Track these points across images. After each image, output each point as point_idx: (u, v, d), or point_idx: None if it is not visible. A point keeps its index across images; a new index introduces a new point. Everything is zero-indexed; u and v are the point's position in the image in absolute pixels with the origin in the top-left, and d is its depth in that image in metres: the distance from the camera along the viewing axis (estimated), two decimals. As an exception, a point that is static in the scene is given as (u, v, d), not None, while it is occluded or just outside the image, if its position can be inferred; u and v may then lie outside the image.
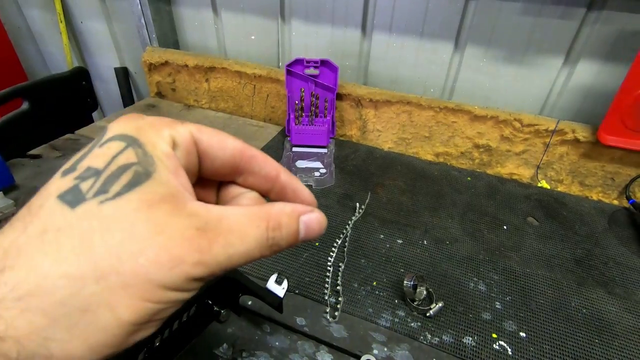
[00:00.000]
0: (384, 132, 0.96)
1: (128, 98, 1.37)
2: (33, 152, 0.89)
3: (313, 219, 0.19)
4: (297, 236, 0.19)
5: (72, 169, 0.16)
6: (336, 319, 0.53)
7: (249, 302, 0.54)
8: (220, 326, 0.52)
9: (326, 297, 0.56)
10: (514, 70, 0.85)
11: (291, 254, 0.62)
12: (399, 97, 0.89)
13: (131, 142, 0.17)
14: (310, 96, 0.91)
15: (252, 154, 0.20)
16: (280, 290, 0.46)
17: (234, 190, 0.22)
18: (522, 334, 0.52)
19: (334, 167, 0.86)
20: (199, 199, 0.18)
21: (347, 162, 0.91)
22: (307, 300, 0.56)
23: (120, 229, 0.15)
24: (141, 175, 0.16)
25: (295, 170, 0.86)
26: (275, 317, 0.53)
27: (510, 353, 0.50)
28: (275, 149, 0.94)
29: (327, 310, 0.55)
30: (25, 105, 0.98)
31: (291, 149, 0.94)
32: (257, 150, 0.21)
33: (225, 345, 0.50)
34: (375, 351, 0.50)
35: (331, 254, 0.63)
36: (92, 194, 0.15)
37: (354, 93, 0.92)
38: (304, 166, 0.88)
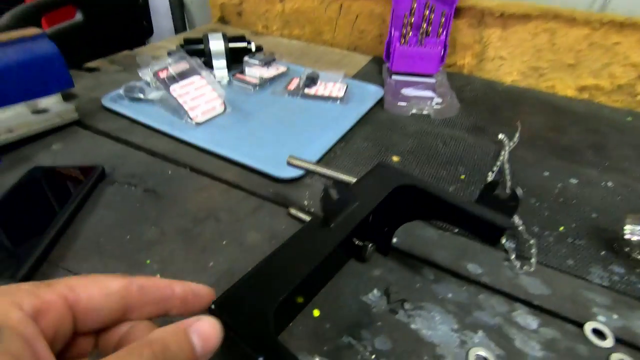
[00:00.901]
0: (509, 60, 0.76)
1: (181, 28, 1.22)
2: (90, 64, 0.75)
3: (204, 326, 0.17)
4: (192, 350, 0.16)
5: None
6: (531, 268, 0.37)
7: (394, 239, 0.39)
8: (362, 266, 0.37)
9: (503, 240, 0.40)
10: None
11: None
12: (541, 10, 0.69)
13: None
14: (424, 8, 0.73)
15: (138, 285, 0.18)
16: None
17: (118, 328, 0.18)
18: None
19: (455, 95, 0.68)
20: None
21: (464, 94, 0.73)
22: (473, 242, 0.40)
23: None
24: None
25: (402, 98, 0.69)
26: (435, 260, 0.38)
27: None
28: (369, 77, 0.77)
29: (509, 258, 0.39)
30: (79, 16, 0.84)
31: (390, 76, 0.76)
32: (141, 278, 0.19)
33: (375, 291, 0.35)
34: (600, 317, 0.34)
35: (487, 188, 0.47)
36: None
37: (478, 5, 0.73)
38: (412, 94, 0.71)
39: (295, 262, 0.22)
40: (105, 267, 0.35)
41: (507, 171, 0.49)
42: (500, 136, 0.57)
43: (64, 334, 0.17)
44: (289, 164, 0.38)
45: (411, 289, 0.35)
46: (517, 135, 0.56)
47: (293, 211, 0.41)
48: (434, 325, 0.32)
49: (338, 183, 0.26)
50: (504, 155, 0.51)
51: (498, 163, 0.51)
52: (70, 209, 0.39)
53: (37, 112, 0.52)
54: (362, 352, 0.30)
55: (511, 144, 0.54)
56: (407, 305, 0.34)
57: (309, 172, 0.48)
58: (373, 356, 0.30)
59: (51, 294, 0.16)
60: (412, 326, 0.32)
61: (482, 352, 0.30)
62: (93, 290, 0.17)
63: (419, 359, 0.30)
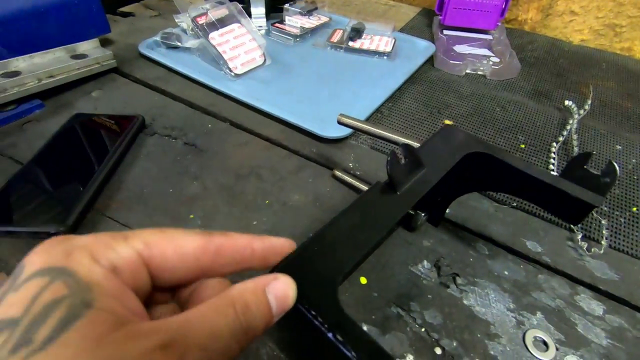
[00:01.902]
0: (581, 16, 0.67)
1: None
2: (124, 9, 0.73)
3: (281, 287, 0.17)
4: (270, 312, 0.16)
5: None
6: (601, 251, 0.34)
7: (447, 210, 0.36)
8: (411, 236, 0.35)
9: (568, 218, 0.37)
10: None
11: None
12: (631, -45, 0.59)
13: (57, 274, 0.13)
14: (489, -50, 0.64)
15: (216, 245, 0.17)
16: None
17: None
18: None
19: (515, 55, 0.61)
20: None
21: (524, 54, 0.66)
22: (532, 217, 0.37)
23: None
24: (77, 307, 0.12)
25: (455, 56, 0.62)
26: (490, 235, 0.35)
27: None
28: (417, 32, 0.70)
29: (573, 238, 0.35)
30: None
31: (442, 31, 0.69)
32: (219, 236, 0.17)
33: (425, 262, 0.33)
34: (676, 309, 0.31)
35: (551, 160, 0.42)
36: (8, 351, 0.11)
37: (554, -52, 0.63)
38: (467, 51, 0.64)
39: (362, 229, 0.20)
40: (150, 219, 0.34)
41: (575, 143, 0.44)
42: (567, 103, 0.51)
43: (142, 290, 0.16)
44: (340, 122, 0.35)
45: (464, 263, 0.33)
46: (588, 102, 0.50)
47: (338, 173, 0.39)
48: (488, 303, 0.30)
49: (405, 146, 0.23)
50: (573, 124, 0.46)
51: (565, 133, 0.45)
52: (113, 158, 0.39)
53: (76, 57, 0.50)
54: (412, 324, 0.29)
55: (581, 112, 0.48)
56: (459, 280, 0.32)
57: (355, 133, 0.45)
58: (423, 329, 0.28)
59: (127, 248, 0.15)
60: (465, 302, 0.30)
61: (541, 335, 0.28)
62: (168, 249, 0.16)
63: (472, 336, 0.28)
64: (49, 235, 0.32)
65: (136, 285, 0.16)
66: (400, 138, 0.30)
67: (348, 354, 0.15)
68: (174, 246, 0.16)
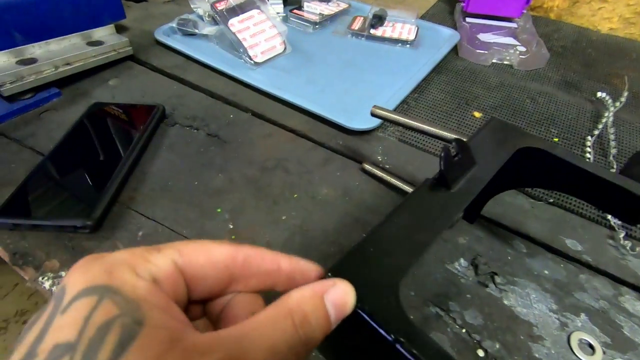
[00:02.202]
0: (610, 3, 0.64)
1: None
2: (137, -6, 0.70)
3: (340, 294, 0.16)
4: (329, 321, 0.15)
5: (30, 356, 0.12)
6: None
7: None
8: (446, 232, 0.34)
9: (609, 216, 0.35)
10: None
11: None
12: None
13: (103, 292, 0.13)
14: None
15: (244, 255, 0.17)
16: None
17: (223, 297, 0.17)
18: None
19: (543, 44, 0.59)
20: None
21: (551, 43, 0.63)
22: (571, 214, 0.36)
23: None
24: (131, 327, 0.12)
25: (479, 44, 0.60)
26: (528, 232, 0.34)
27: None
28: (437, 19, 0.68)
29: (615, 236, 0.34)
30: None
31: (464, 19, 0.67)
32: (248, 248, 0.17)
33: (462, 260, 0.32)
34: None
35: (587, 155, 0.41)
36: None
37: None
38: (491, 40, 0.62)
39: (417, 229, 0.19)
40: (177, 212, 0.33)
41: (612, 137, 0.42)
42: (600, 94, 0.49)
43: (181, 301, 0.16)
44: (373, 114, 0.34)
45: (502, 261, 0.32)
46: (624, 94, 0.48)
47: (368, 166, 0.38)
48: (529, 303, 0.29)
49: (458, 142, 0.22)
50: (608, 117, 0.44)
51: (600, 126, 0.44)
52: (136, 149, 0.37)
53: (92, 43, 0.49)
54: (452, 324, 0.28)
55: (617, 104, 0.46)
56: (498, 279, 0.31)
57: (382, 124, 0.43)
58: (464, 330, 0.28)
59: (164, 259, 0.15)
60: (505, 302, 0.29)
61: (587, 337, 0.27)
62: (200, 257, 0.16)
63: (515, 337, 0.27)
64: (75, 229, 0.31)
65: (176, 296, 0.15)
66: (443, 132, 0.29)
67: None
68: (206, 254, 0.16)
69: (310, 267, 0.18)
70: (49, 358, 0.12)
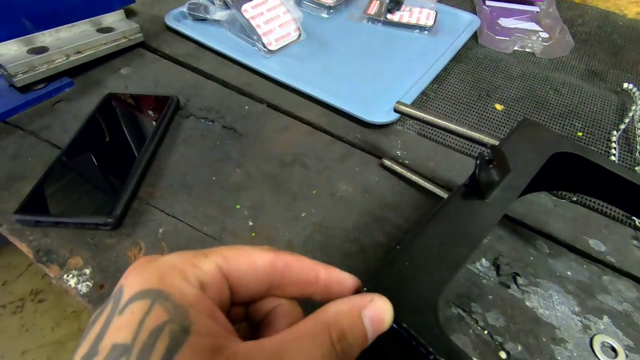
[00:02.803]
0: (640, -14, 0.61)
1: None
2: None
3: (378, 310, 0.16)
4: (366, 338, 0.15)
5: (92, 353, 0.13)
6: (671, 253, 0.32)
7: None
8: (467, 232, 0.33)
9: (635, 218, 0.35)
10: None
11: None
12: None
13: (156, 296, 0.14)
14: None
15: (284, 262, 0.17)
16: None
17: (264, 304, 0.18)
18: None
19: (567, 30, 0.57)
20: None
21: (575, 29, 0.61)
22: (595, 213, 0.35)
23: None
24: (178, 334, 0.13)
25: (500, 30, 0.58)
26: (551, 232, 0.33)
27: None
28: (457, 2, 0.65)
29: (639, 236, 0.34)
30: None
31: (484, 2, 0.64)
32: (288, 255, 0.18)
33: (484, 260, 0.32)
34: None
35: (612, 151, 0.40)
36: None
37: None
38: (513, 25, 0.59)
39: (454, 243, 0.18)
40: (196, 209, 0.33)
41: (639, 132, 0.41)
42: (626, 86, 0.47)
43: (225, 304, 0.16)
44: (397, 110, 0.33)
45: (524, 261, 0.32)
46: (652, 86, 0.47)
47: (387, 162, 0.37)
48: (552, 305, 0.29)
49: (493, 149, 0.21)
50: (636, 110, 0.43)
51: (626, 120, 0.42)
52: (153, 143, 0.37)
53: (102, 30, 0.47)
54: (474, 326, 0.28)
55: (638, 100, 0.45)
56: (520, 280, 0.30)
57: (401, 117, 0.42)
58: (486, 332, 0.28)
59: (210, 264, 0.16)
60: (527, 303, 0.29)
61: (609, 341, 0.27)
62: (243, 263, 0.17)
63: (537, 340, 0.27)
64: (96, 226, 0.31)
65: (221, 300, 0.16)
66: (471, 132, 0.28)
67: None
68: (248, 260, 0.17)
69: (346, 278, 0.18)
70: (109, 357, 0.13)
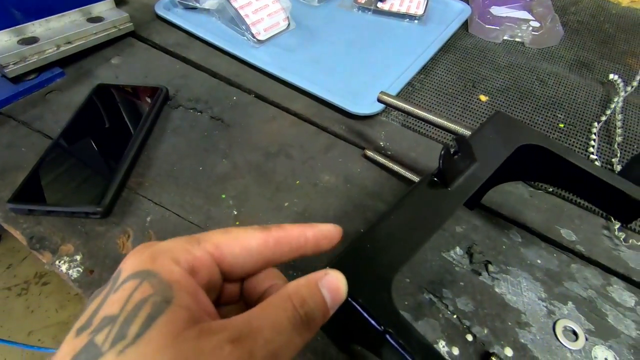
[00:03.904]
0: (635, -26, 0.61)
1: None
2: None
3: (332, 279, 0.18)
4: (326, 305, 0.17)
5: (87, 325, 0.15)
6: (639, 242, 0.33)
7: (480, 194, 0.35)
8: (444, 221, 0.34)
9: (606, 206, 0.36)
10: None
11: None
12: None
13: (145, 275, 0.15)
14: None
15: (275, 239, 0.19)
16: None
17: (259, 284, 0.19)
18: None
19: (558, 19, 0.57)
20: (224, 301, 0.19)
21: (567, 18, 0.61)
22: (568, 204, 0.36)
23: None
24: (160, 304, 0.15)
25: (491, 19, 0.58)
26: (525, 222, 0.35)
27: None
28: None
29: (610, 227, 0.35)
30: None
31: (478, -10, 0.64)
32: (276, 230, 0.19)
33: (458, 249, 0.33)
34: None
35: (591, 142, 0.40)
36: (109, 345, 0.14)
37: None
38: (505, 14, 0.59)
39: (413, 227, 0.20)
40: (183, 199, 0.35)
41: (619, 124, 0.41)
42: (612, 77, 0.47)
43: (214, 286, 0.18)
44: (380, 100, 0.34)
45: (497, 250, 0.33)
46: (637, 78, 0.47)
47: (370, 153, 0.38)
48: (519, 292, 0.31)
49: (459, 140, 0.22)
50: (618, 102, 0.43)
51: (608, 112, 0.43)
52: (142, 133, 0.38)
53: (92, 20, 0.48)
54: (444, 310, 0.29)
55: (628, 88, 0.45)
56: (491, 268, 0.32)
57: (386, 108, 0.43)
58: (455, 316, 0.29)
59: (201, 251, 0.17)
60: (497, 290, 0.31)
61: (571, 325, 0.29)
62: (235, 247, 0.18)
63: (503, 324, 0.29)
64: (86, 214, 0.32)
65: (210, 282, 0.18)
66: (449, 123, 0.29)
67: (407, 356, 0.16)
68: (240, 244, 0.18)
69: (330, 229, 0.20)
70: (97, 326, 0.14)
